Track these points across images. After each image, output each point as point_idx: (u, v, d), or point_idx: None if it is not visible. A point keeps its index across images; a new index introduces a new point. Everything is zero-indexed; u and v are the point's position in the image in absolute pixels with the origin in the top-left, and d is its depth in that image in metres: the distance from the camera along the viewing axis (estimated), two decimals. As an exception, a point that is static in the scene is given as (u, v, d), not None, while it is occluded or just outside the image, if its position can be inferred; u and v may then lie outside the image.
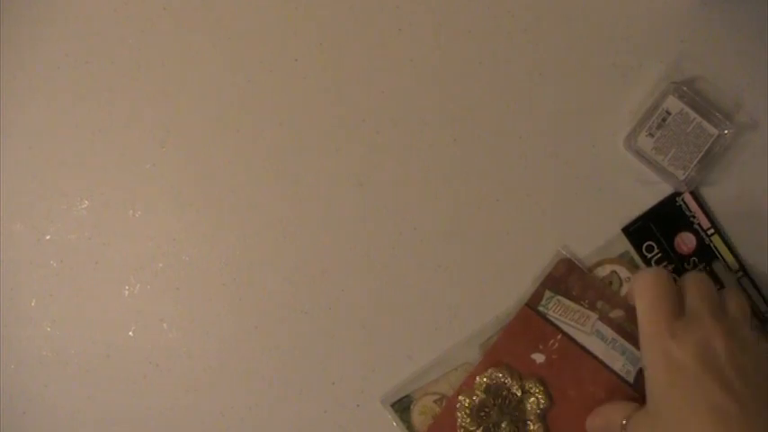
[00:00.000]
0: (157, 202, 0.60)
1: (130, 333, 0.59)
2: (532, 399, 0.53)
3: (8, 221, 0.59)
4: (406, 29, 0.60)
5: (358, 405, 0.58)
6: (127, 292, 0.59)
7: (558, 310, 0.54)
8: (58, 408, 0.59)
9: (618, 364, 0.53)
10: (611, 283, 0.55)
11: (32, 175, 0.60)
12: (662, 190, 0.59)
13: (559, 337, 0.53)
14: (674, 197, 0.59)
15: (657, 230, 0.59)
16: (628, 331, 0.53)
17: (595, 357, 0.53)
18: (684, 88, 0.57)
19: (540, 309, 0.54)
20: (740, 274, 0.59)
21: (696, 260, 0.59)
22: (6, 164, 0.59)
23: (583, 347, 0.53)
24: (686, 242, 0.59)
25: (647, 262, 0.59)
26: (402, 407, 0.58)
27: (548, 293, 0.55)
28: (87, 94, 0.60)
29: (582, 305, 0.54)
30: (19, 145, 0.60)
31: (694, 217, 0.59)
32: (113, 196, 0.60)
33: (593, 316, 0.53)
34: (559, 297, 0.54)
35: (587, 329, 0.53)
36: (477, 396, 0.54)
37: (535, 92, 0.60)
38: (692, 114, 0.57)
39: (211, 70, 0.60)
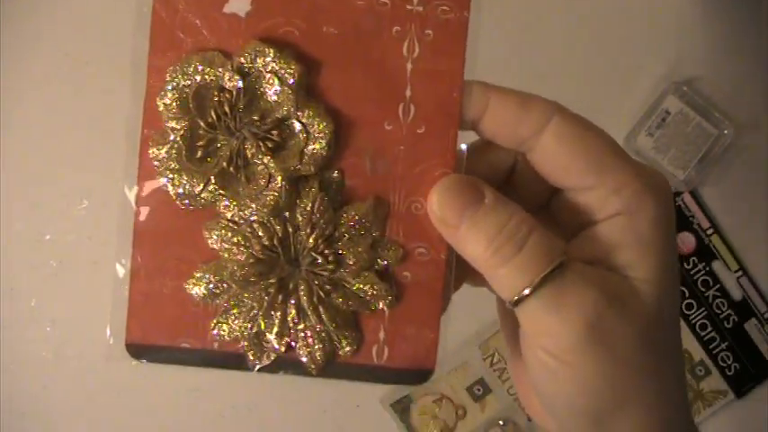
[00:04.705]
0: (157, 202, 0.60)
1: (130, 333, 0.59)
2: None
3: (8, 221, 0.59)
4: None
5: (358, 405, 0.58)
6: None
7: None
8: (58, 408, 0.59)
9: None
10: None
11: (32, 175, 0.60)
12: (662, 190, 0.59)
13: None
14: (673, 197, 0.59)
15: (657, 230, 0.59)
16: None
17: None
18: (684, 88, 0.57)
19: None
20: (740, 273, 0.59)
21: (696, 260, 0.59)
22: (6, 164, 0.59)
23: None
24: (685, 242, 0.59)
25: (647, 262, 0.59)
26: (402, 407, 0.58)
27: None
28: (87, 94, 0.60)
29: None
30: (19, 145, 0.60)
31: (694, 217, 0.58)
32: (113, 196, 0.60)
33: None
34: None
35: None
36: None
37: (534, 92, 0.60)
38: (692, 114, 0.57)
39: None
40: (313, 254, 0.29)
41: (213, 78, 0.28)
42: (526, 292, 0.26)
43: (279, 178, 0.28)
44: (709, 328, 0.59)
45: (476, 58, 0.29)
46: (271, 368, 0.30)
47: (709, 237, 0.58)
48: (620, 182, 0.27)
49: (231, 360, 0.31)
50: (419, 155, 0.29)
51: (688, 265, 0.59)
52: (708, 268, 0.59)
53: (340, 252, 0.29)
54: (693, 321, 0.59)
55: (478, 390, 0.58)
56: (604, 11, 0.60)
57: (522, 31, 0.60)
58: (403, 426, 0.57)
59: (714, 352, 0.59)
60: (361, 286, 0.29)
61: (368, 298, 0.29)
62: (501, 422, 0.58)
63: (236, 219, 0.28)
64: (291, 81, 0.28)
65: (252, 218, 0.28)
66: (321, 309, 0.29)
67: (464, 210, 0.27)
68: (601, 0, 0.60)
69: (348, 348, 0.29)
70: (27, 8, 0.60)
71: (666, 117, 0.57)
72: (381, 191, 0.29)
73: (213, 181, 0.28)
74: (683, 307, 0.59)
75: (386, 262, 0.29)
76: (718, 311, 0.59)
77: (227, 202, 0.28)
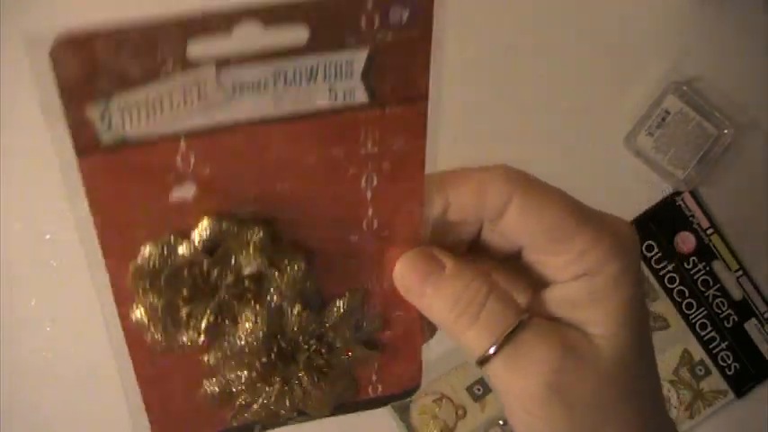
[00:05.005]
0: (157, 202, 0.60)
1: (130, 333, 0.59)
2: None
3: (8, 221, 0.59)
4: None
5: (358, 405, 0.58)
6: (127, 292, 0.59)
7: (133, 118, 0.26)
8: (58, 408, 0.59)
9: (321, 94, 0.27)
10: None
11: (32, 174, 0.60)
12: (662, 189, 0.59)
13: (183, 143, 0.26)
14: (673, 197, 0.59)
15: (657, 230, 0.59)
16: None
17: (268, 122, 0.27)
18: (684, 88, 0.57)
19: (105, 137, 0.26)
20: (740, 273, 0.59)
21: (696, 260, 0.59)
22: (6, 163, 0.59)
23: (237, 126, 0.27)
24: (686, 242, 0.59)
25: (647, 261, 0.59)
26: (401, 406, 0.57)
27: (93, 109, 0.25)
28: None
29: (162, 77, 0.25)
30: (19, 144, 0.60)
31: (694, 216, 0.59)
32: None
33: (206, 71, 0.25)
34: (117, 99, 0.25)
35: (216, 96, 0.26)
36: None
37: (535, 91, 0.60)
38: (692, 114, 0.57)
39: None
40: (307, 352, 0.31)
41: (179, 260, 0.28)
42: (491, 351, 0.29)
43: (265, 316, 0.30)
44: (709, 328, 0.59)
45: (435, 163, 0.30)
46: (281, 424, 0.33)
47: (709, 236, 0.58)
48: (582, 248, 0.29)
49: (248, 429, 0.33)
50: (387, 248, 0.30)
51: (688, 264, 0.59)
52: (708, 268, 0.59)
53: (330, 340, 0.32)
54: (693, 321, 0.59)
55: (478, 389, 0.58)
56: (604, 11, 0.60)
57: (523, 32, 0.60)
58: (403, 425, 0.57)
59: (714, 352, 0.59)
60: (352, 356, 0.32)
61: (359, 362, 0.32)
62: (501, 422, 0.58)
63: (233, 350, 0.30)
64: (257, 243, 0.28)
65: (247, 348, 0.30)
66: (323, 384, 0.32)
67: (425, 281, 0.30)
68: (601, 0, 0.60)
69: (348, 396, 0.33)
70: (27, 8, 0.60)
71: (666, 117, 0.57)
72: (356, 282, 0.31)
73: (203, 331, 0.30)
74: (684, 306, 0.59)
75: (370, 330, 0.32)
76: (719, 311, 0.59)
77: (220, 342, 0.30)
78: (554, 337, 0.29)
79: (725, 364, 0.59)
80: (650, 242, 0.59)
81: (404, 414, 0.57)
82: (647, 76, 0.59)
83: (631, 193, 0.59)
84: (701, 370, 0.59)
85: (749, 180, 0.59)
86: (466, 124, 0.59)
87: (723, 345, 0.59)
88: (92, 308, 0.61)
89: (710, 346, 0.59)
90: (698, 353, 0.59)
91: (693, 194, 0.58)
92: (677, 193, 0.59)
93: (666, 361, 0.59)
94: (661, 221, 0.59)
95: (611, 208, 0.59)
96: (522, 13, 0.60)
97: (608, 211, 0.59)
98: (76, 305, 0.59)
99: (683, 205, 0.59)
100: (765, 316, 0.59)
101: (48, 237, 0.60)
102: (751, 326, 0.59)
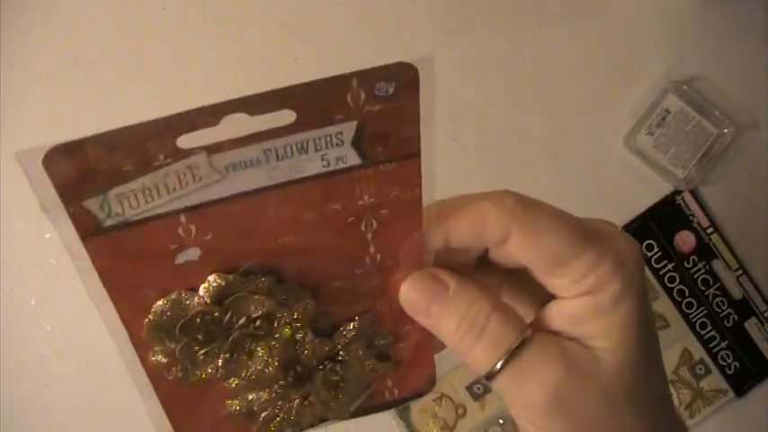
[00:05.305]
0: (157, 202, 0.59)
1: (130, 332, 0.59)
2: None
3: (8, 221, 0.59)
4: (405, 28, 0.60)
5: (358, 404, 0.58)
6: (127, 292, 0.59)
7: (132, 203, 0.28)
8: (58, 407, 0.59)
9: (314, 163, 0.28)
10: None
11: (32, 174, 0.60)
12: (662, 189, 0.59)
13: (183, 217, 0.28)
14: (673, 196, 0.59)
15: (657, 229, 0.59)
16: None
17: (264, 190, 0.28)
18: (684, 87, 0.57)
19: (107, 222, 0.27)
20: (740, 272, 0.59)
21: (696, 259, 0.59)
22: (6, 163, 0.59)
23: (233, 197, 0.28)
24: (686, 241, 0.59)
25: (647, 261, 0.59)
26: (402, 405, 0.58)
27: (92, 202, 0.27)
28: (87, 93, 0.60)
29: (155, 169, 0.27)
30: (19, 144, 0.60)
31: (694, 216, 0.59)
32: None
33: (198, 158, 0.27)
34: (114, 191, 0.27)
35: (211, 177, 0.27)
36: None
37: (535, 91, 0.60)
38: (692, 113, 0.57)
39: (211, 70, 0.60)
40: (322, 372, 0.33)
41: (191, 311, 0.30)
42: (497, 367, 0.29)
43: (279, 349, 0.31)
44: (710, 327, 0.59)
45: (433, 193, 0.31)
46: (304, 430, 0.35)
47: (709, 235, 0.58)
48: (584, 270, 0.29)
49: None
50: (392, 274, 0.31)
51: (688, 263, 0.59)
52: (708, 267, 0.59)
53: (343, 359, 0.33)
54: (693, 320, 0.59)
55: (478, 388, 0.58)
56: (605, 11, 0.60)
57: (523, 29, 0.60)
58: (403, 424, 0.57)
59: (714, 351, 0.59)
60: (366, 369, 0.33)
61: (373, 374, 0.34)
62: (501, 421, 0.58)
63: (251, 380, 0.32)
64: (263, 287, 0.30)
65: (264, 376, 0.32)
66: (341, 396, 0.33)
67: (431, 301, 0.31)
68: (602, 0, 0.60)
69: (365, 401, 0.34)
70: (27, 8, 0.60)
71: (666, 116, 0.57)
72: (364, 306, 0.32)
73: (221, 366, 0.31)
74: (684, 306, 0.59)
75: (382, 344, 0.33)
76: (719, 310, 0.59)
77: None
78: (557, 353, 0.29)
79: (725, 364, 0.59)
80: (650, 241, 0.59)
81: (404, 413, 0.57)
82: (647, 75, 0.59)
83: (631, 192, 0.59)
84: (700, 369, 0.59)
85: (749, 179, 0.59)
86: (466, 124, 0.59)
87: (723, 344, 0.59)
88: (91, 308, 0.61)
89: (710, 346, 0.59)
90: (698, 352, 0.59)
91: (693, 194, 0.58)
92: (677, 193, 0.59)
93: (666, 360, 0.58)
94: (661, 221, 0.59)
95: (611, 207, 0.59)
96: (523, 12, 0.60)
97: (609, 211, 0.59)
98: (76, 305, 0.59)
99: (682, 204, 0.59)
100: (765, 315, 0.59)
101: (47, 236, 0.60)
102: (751, 325, 0.59)
